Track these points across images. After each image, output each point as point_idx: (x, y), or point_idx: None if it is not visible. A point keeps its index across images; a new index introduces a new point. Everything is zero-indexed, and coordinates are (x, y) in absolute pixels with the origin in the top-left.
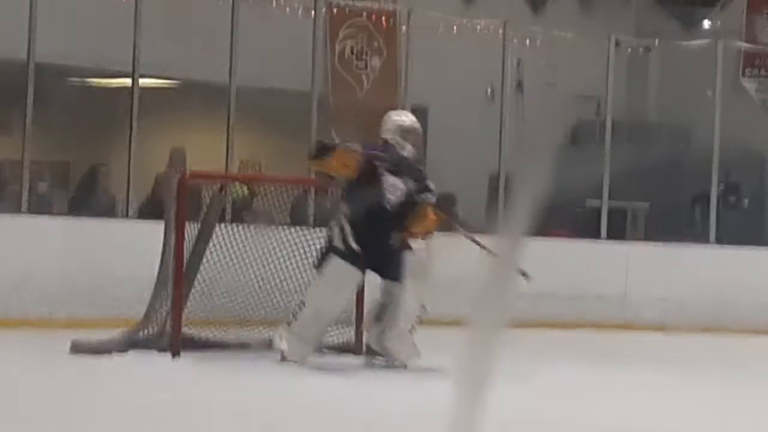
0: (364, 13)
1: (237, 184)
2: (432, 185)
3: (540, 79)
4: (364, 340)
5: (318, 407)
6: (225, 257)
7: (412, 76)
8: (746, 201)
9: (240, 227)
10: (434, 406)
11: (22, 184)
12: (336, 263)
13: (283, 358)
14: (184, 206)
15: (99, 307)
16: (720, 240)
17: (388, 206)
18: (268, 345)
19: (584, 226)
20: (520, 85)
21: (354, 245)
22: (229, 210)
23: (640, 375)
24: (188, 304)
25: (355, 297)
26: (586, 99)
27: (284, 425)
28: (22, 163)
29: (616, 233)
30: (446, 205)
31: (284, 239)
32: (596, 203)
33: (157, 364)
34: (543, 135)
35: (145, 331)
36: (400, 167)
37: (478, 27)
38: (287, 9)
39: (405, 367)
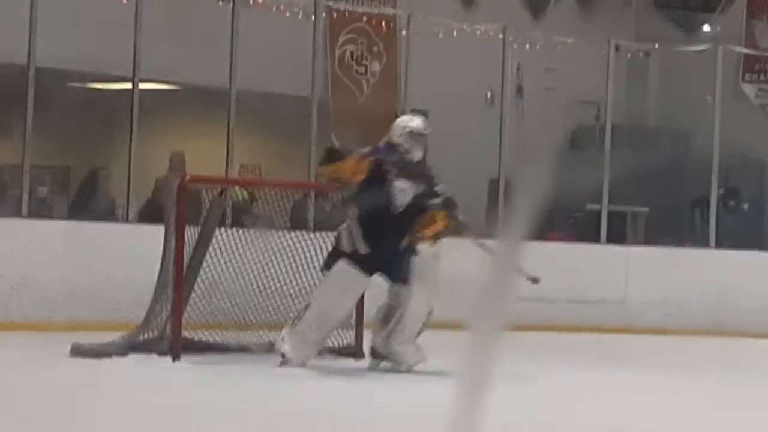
0: (364, 18)
1: (237, 188)
2: (441, 189)
3: (540, 83)
4: (370, 343)
5: (318, 410)
6: (225, 261)
7: (412, 81)
8: (746, 205)
9: (240, 231)
10: (434, 408)
11: (23, 188)
12: (343, 267)
13: (284, 362)
14: (184, 210)
15: (99, 311)
16: (720, 244)
17: (396, 210)
18: (268, 348)
19: (584, 230)
20: (519, 90)
21: (363, 249)
22: (229, 214)
23: (640, 377)
24: (188, 307)
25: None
26: (586, 103)
27: (284, 428)
28: (22, 167)
29: (617, 237)
30: (447, 209)
31: (284, 243)
32: (596, 207)
33: (157, 367)
34: (543, 139)
35: (145, 334)
36: (409, 171)
37: (478, 32)
38: (287, 13)
39: (410, 370)
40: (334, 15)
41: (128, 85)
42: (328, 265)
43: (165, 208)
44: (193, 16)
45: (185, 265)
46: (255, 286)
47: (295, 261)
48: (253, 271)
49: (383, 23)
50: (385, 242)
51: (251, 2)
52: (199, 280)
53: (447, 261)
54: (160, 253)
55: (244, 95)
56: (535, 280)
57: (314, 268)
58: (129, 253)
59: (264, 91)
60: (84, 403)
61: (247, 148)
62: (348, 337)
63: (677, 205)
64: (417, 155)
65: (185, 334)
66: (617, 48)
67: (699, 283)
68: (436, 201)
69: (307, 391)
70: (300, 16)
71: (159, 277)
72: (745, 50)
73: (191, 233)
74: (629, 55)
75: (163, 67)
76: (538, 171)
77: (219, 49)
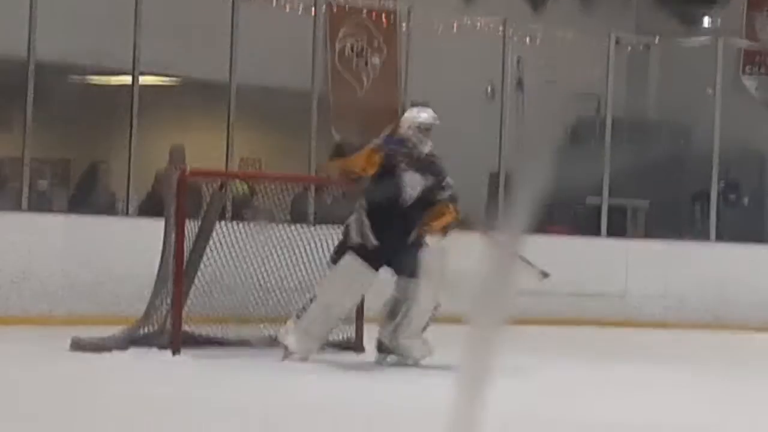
0: (364, 12)
1: (237, 181)
2: (450, 182)
3: (540, 77)
4: (377, 336)
5: (318, 404)
6: (225, 255)
7: (412, 75)
8: (746, 198)
9: (240, 225)
10: (435, 402)
11: (23, 182)
12: (350, 261)
13: (287, 355)
14: (184, 204)
15: (99, 305)
16: (720, 237)
17: (405, 203)
18: (269, 342)
19: (584, 224)
20: (520, 83)
21: (372, 241)
22: (229, 207)
23: (640, 371)
24: (188, 301)
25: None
26: (586, 97)
27: (284, 422)
28: (22, 160)
29: (617, 231)
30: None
31: (284, 237)
32: (596, 201)
33: (157, 361)
34: (543, 133)
35: (146, 328)
36: (418, 164)
37: (478, 25)
38: (287, 7)
39: (417, 364)
40: (334, 9)
41: (128, 79)
42: (335, 258)
43: (165, 201)
44: (193, 9)
45: (185, 258)
46: (255, 279)
47: (295, 254)
48: (253, 265)
49: (383, 17)
50: (394, 235)
51: None
52: (199, 273)
53: (454, 255)
54: (161, 246)
55: (244, 89)
56: (545, 276)
57: (314, 261)
58: (129, 247)
59: (264, 84)
60: (84, 397)
61: (247, 141)
62: (348, 331)
63: (677, 198)
64: (426, 148)
65: (185, 327)
66: (617, 41)
67: (699, 277)
68: (445, 194)
69: (307, 385)
70: (300, 10)
71: (159, 270)
72: (745, 43)
73: (191, 227)
74: (629, 48)
75: (163, 60)
76: (539, 164)
77: (219, 43)
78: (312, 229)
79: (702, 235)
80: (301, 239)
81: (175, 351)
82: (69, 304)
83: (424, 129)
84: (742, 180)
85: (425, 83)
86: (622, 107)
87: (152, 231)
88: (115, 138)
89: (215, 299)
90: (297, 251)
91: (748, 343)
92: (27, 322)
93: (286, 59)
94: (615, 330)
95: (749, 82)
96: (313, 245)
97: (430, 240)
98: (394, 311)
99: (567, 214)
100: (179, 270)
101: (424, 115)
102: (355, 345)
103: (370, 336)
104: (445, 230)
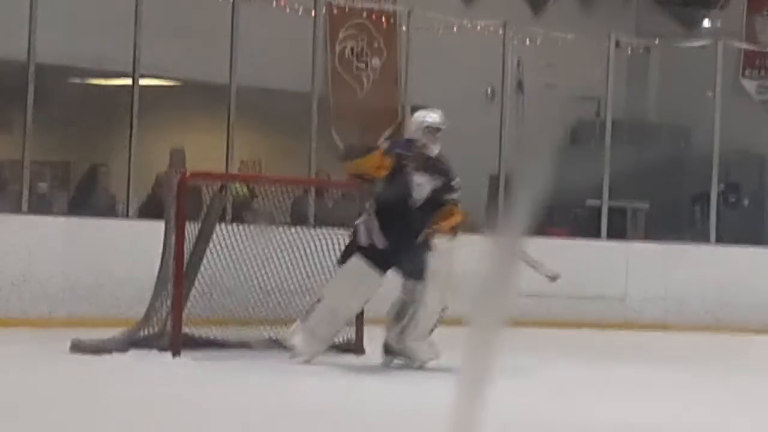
0: (364, 14)
1: (237, 183)
2: (457, 184)
3: (540, 79)
4: (384, 339)
5: (318, 406)
6: (225, 257)
7: (412, 76)
8: (746, 200)
9: (240, 227)
10: (435, 404)
11: (23, 184)
12: (357, 263)
13: (293, 355)
14: (185, 206)
15: (99, 307)
16: (720, 239)
17: (414, 204)
18: (269, 344)
19: (584, 226)
20: (520, 85)
21: (380, 243)
22: (229, 210)
23: (640, 373)
24: (188, 303)
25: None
26: (587, 99)
27: (284, 424)
28: (22, 162)
29: (617, 233)
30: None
31: (284, 239)
32: (596, 203)
33: (157, 363)
34: (543, 135)
35: (146, 330)
36: (426, 165)
37: (479, 27)
38: (287, 9)
39: (423, 367)
40: (334, 10)
41: (128, 81)
42: (343, 259)
43: (165, 203)
44: (193, 11)
45: (185, 260)
46: (255, 282)
47: (295, 257)
48: (253, 267)
49: (383, 19)
50: (402, 237)
51: None
52: (199, 275)
53: (461, 257)
54: (161, 249)
55: (244, 91)
56: (554, 278)
57: (315, 264)
58: (129, 249)
59: (264, 86)
60: (84, 398)
61: (247, 143)
62: (348, 333)
63: (677, 200)
64: (434, 149)
65: (185, 330)
66: (617, 43)
67: (699, 279)
68: (454, 195)
69: (307, 387)
70: (300, 12)
71: (159, 273)
72: (745, 45)
73: (191, 229)
74: (629, 50)
75: (163, 62)
76: (539, 166)
77: (219, 45)
78: (312, 231)
79: (702, 237)
80: (301, 241)
81: (176, 353)
82: (69, 306)
83: (433, 130)
84: (742, 182)
85: (425, 85)
86: (622, 109)
87: (152, 233)
88: (115, 140)
89: (215, 301)
90: (297, 253)
91: (748, 345)
92: (27, 324)
93: (286, 61)
94: (615, 332)
95: (749, 85)
96: (313, 247)
97: (437, 242)
98: (401, 313)
99: (567, 216)
100: (179, 272)
101: (434, 116)
102: (355, 347)
103: (371, 338)
104: (453, 231)
